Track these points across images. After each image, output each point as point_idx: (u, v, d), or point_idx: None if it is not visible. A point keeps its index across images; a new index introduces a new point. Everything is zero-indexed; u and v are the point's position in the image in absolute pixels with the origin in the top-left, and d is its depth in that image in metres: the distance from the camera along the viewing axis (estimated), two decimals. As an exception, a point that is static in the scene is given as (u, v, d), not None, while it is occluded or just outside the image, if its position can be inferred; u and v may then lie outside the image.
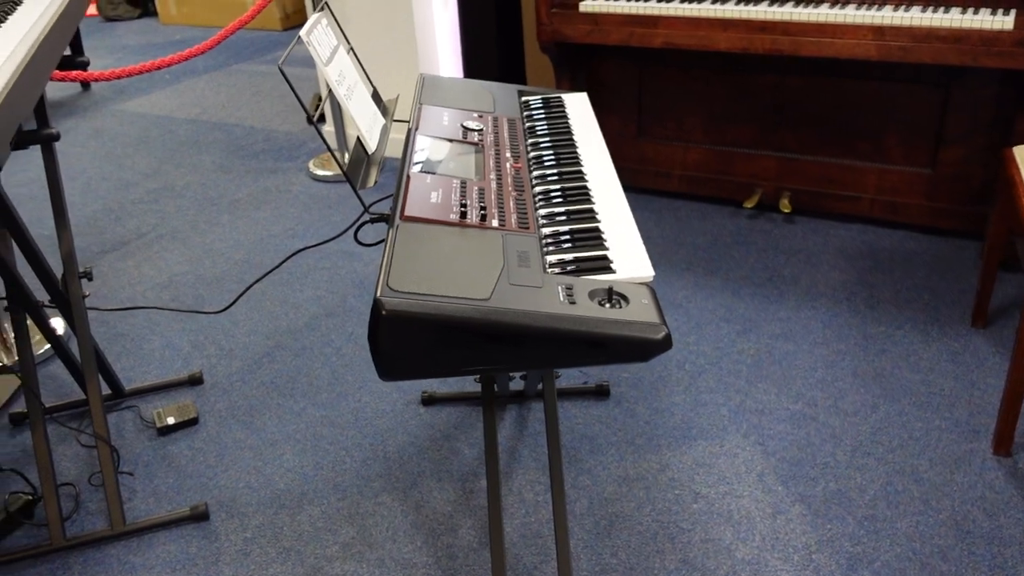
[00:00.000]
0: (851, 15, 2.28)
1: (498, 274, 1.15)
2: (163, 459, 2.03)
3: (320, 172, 3.54)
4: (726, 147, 2.88)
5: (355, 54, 1.67)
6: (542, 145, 1.65)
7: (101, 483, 1.91)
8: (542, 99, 1.89)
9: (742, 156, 2.87)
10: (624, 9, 2.54)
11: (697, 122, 2.89)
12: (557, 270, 1.23)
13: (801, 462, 1.88)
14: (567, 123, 1.74)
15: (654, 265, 2.67)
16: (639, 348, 1.09)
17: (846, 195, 2.76)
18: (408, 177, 1.41)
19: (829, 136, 2.72)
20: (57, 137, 1.40)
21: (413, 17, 3.22)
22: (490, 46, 3.38)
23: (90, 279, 1.87)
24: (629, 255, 1.26)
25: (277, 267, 2.16)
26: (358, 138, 1.43)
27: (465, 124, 1.65)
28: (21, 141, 1.35)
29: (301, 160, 3.75)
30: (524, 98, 1.90)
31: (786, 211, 2.78)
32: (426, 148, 1.53)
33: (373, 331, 1.08)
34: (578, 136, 1.68)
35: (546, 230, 1.34)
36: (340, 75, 1.42)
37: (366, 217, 1.39)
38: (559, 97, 1.89)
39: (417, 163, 1.47)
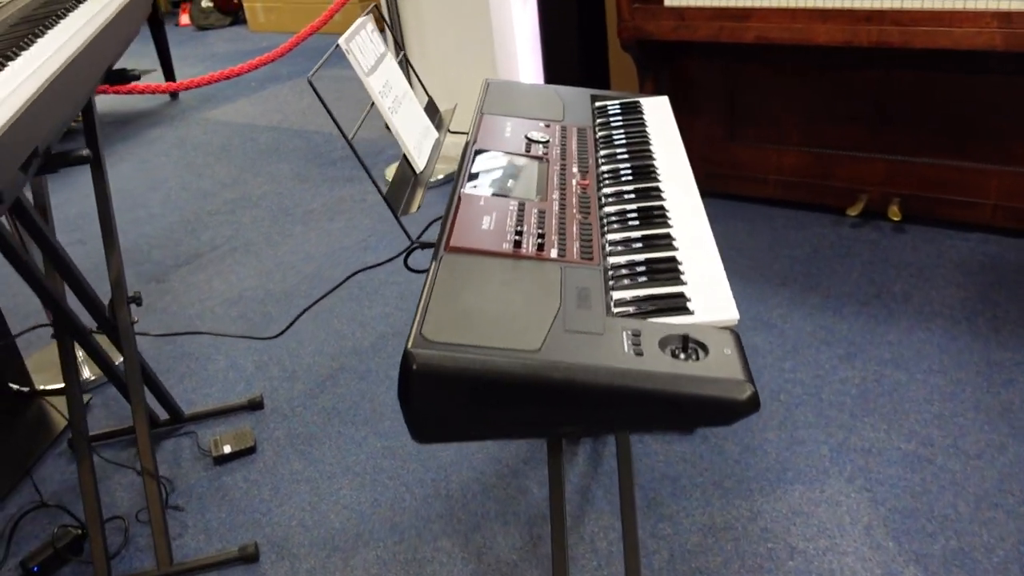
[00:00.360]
0: (972, 0, 2.02)
1: (552, 318, 0.98)
2: (217, 491, 1.93)
3: (395, 180, 3.43)
4: (826, 149, 2.63)
5: (408, 61, 1.53)
6: (614, 158, 1.46)
7: (149, 519, 1.82)
8: (618, 105, 1.71)
9: (845, 159, 2.61)
10: (713, 1, 2.33)
11: (794, 123, 2.65)
12: (626, 309, 1.05)
13: (916, 513, 1.64)
14: (644, 132, 1.55)
15: (746, 279, 2.44)
16: (719, 411, 0.91)
17: (964, 201, 2.48)
18: (459, 198, 1.26)
19: (944, 136, 2.44)
20: (88, 159, 1.30)
21: (490, 18, 3.07)
22: (571, 46, 3.20)
23: (139, 304, 1.78)
24: (710, 292, 1.07)
25: (335, 289, 2.05)
26: (404, 156, 1.28)
27: (529, 135, 1.48)
28: (49, 164, 1.26)
29: (378, 168, 3.66)
30: (598, 104, 1.72)
31: (895, 219, 2.52)
32: (483, 164, 1.37)
33: (403, 388, 0.92)
34: (656, 147, 1.49)
35: (613, 259, 1.16)
36: (386, 85, 1.27)
37: (416, 244, 1.24)
38: (636, 102, 1.70)
39: (471, 181, 1.31)
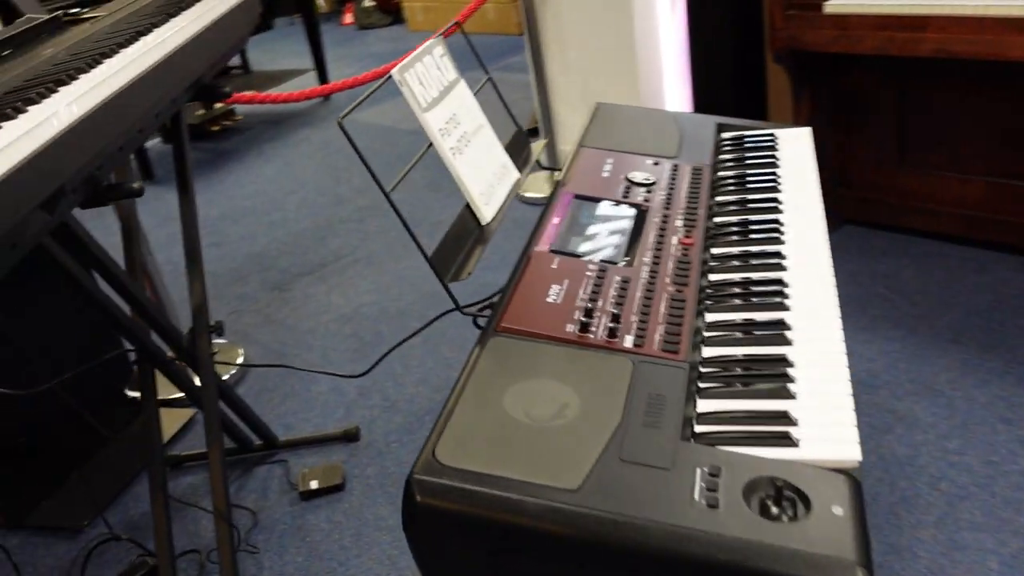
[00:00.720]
0: None
1: (607, 440, 0.77)
2: (299, 530, 1.83)
3: (528, 194, 3.25)
4: (1017, 181, 2.22)
5: (494, 84, 1.34)
6: (731, 208, 1.22)
7: (219, 560, 1.73)
8: (747, 137, 1.45)
9: (1042, 192, 2.20)
10: (881, 8, 2.00)
11: (978, 148, 2.25)
12: (708, 428, 0.81)
13: (1108, 663, 1.30)
14: (774, 175, 1.29)
15: (908, 331, 2.09)
16: (816, 601, 0.66)
17: None
18: (528, 258, 1.05)
19: None
20: (140, 192, 1.20)
21: (634, 27, 2.83)
22: (724, 59, 2.90)
23: (220, 334, 1.69)
24: (826, 415, 0.81)
25: (421, 330, 1.89)
26: (467, 205, 1.09)
27: (631, 176, 1.26)
28: (96, 198, 1.17)
29: (512, 178, 3.49)
30: (724, 135, 1.46)
31: (1103, 267, 2.09)
32: (569, 213, 1.16)
33: (406, 519, 0.74)
34: (786, 195, 1.23)
35: (707, 350, 0.92)
36: (450, 120, 1.09)
37: (459, 309, 1.06)
38: (771, 135, 1.43)
39: (549, 235, 1.11)
